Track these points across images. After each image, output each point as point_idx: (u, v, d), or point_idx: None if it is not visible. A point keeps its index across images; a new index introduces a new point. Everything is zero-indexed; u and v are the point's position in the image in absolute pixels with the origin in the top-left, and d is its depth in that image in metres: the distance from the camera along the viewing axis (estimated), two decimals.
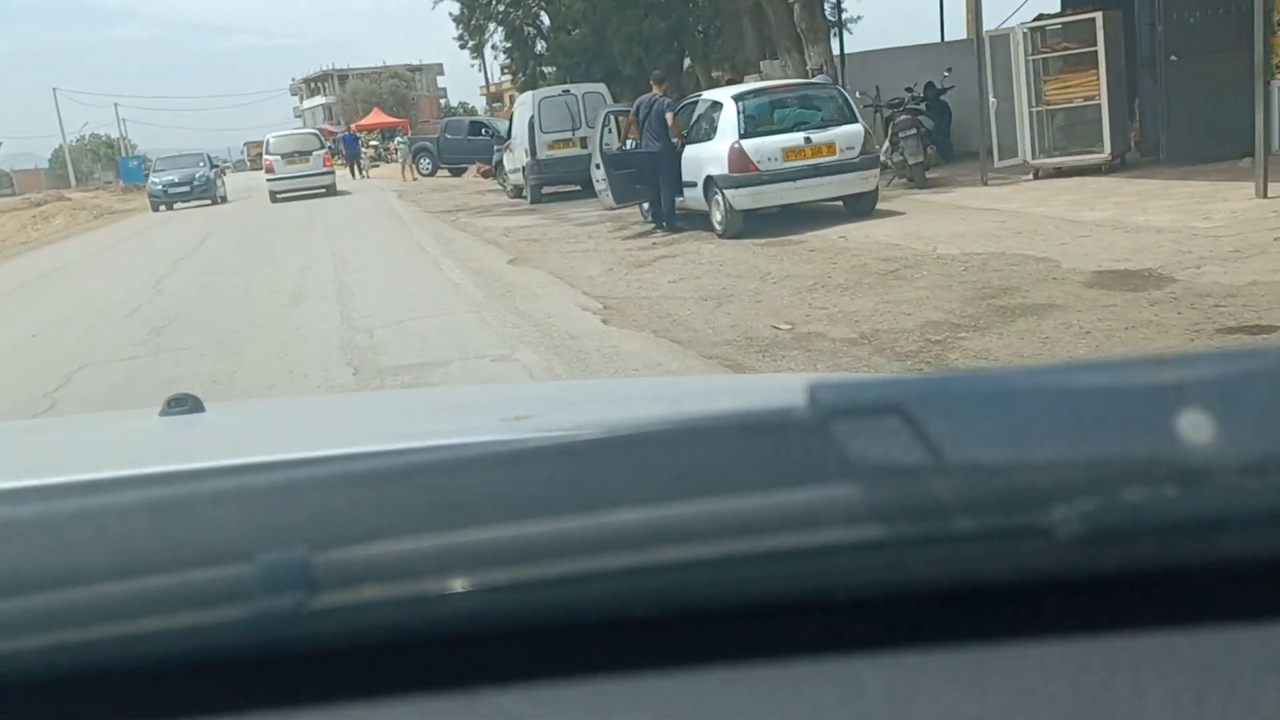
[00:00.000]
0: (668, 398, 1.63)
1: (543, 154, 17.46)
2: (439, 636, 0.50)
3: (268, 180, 28.17)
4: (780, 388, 1.42)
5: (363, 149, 37.86)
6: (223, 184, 31.49)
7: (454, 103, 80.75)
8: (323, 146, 29.48)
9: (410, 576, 0.48)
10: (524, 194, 18.55)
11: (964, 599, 0.49)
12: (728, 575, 0.48)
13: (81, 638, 0.49)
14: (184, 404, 1.48)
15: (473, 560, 0.48)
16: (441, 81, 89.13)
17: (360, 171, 36.23)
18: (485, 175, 28.16)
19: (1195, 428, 0.45)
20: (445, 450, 0.53)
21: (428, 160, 32.15)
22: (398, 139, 35.59)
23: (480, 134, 30.73)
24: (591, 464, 0.51)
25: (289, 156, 27.95)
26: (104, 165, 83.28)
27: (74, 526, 0.53)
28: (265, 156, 28.88)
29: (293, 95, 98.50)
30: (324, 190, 27.74)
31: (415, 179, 30.55)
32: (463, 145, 30.69)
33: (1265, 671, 0.45)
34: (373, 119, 53.23)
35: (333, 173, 28.83)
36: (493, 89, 47.78)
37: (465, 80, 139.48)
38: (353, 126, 43.96)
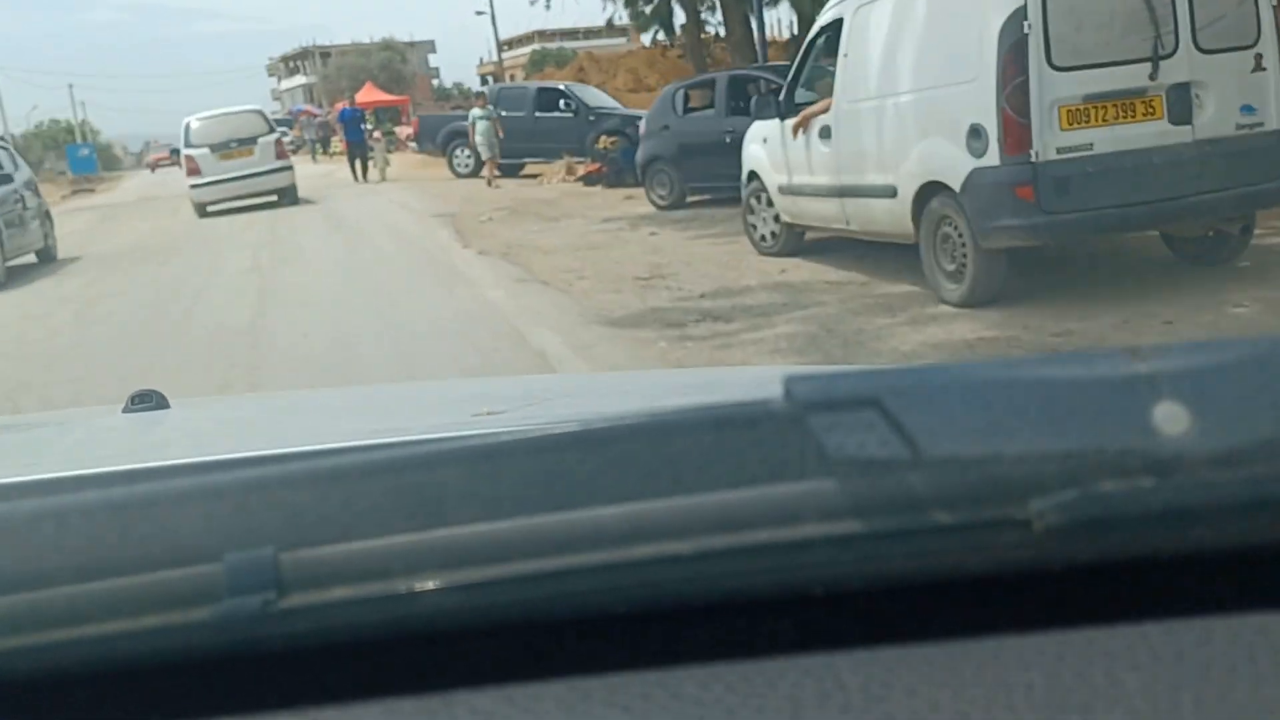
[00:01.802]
0: (641, 392, 1.54)
1: (1056, 137, 4.89)
2: (411, 636, 0.49)
3: (191, 187, 16.52)
4: (755, 381, 1.34)
5: (366, 133, 22.70)
6: (43, 224, 13.33)
7: (448, 83, 69.68)
8: (273, 130, 17.43)
9: (381, 575, 0.47)
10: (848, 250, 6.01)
11: (941, 592, 0.50)
12: (703, 571, 0.48)
13: (43, 641, 0.48)
14: (148, 400, 1.44)
15: (444, 558, 0.47)
16: (434, 60, 77.68)
17: (369, 168, 21.24)
18: (584, 180, 15.90)
19: (1169, 419, 0.45)
20: (415, 446, 0.52)
21: (467, 151, 19.41)
22: (475, 113, 20.10)
23: (557, 108, 18.21)
24: (564, 459, 0.50)
25: (222, 149, 16.11)
26: (58, 154, 70.83)
27: (35, 527, 0.51)
28: (185, 151, 16.54)
29: (270, 75, 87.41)
30: (276, 196, 16.51)
31: (498, 185, 17.37)
32: (527, 127, 18.23)
33: (1238, 661, 0.45)
34: (367, 95, 40.37)
35: (290, 168, 17.12)
36: (495, 65, 35.18)
37: (461, 59, 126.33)
38: (355, 100, 29.05)
